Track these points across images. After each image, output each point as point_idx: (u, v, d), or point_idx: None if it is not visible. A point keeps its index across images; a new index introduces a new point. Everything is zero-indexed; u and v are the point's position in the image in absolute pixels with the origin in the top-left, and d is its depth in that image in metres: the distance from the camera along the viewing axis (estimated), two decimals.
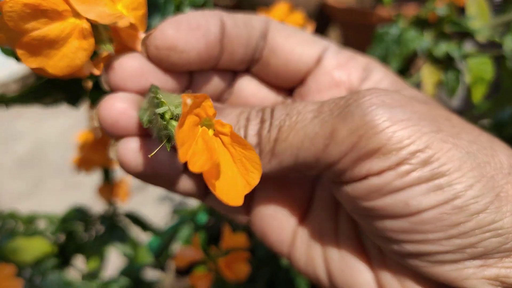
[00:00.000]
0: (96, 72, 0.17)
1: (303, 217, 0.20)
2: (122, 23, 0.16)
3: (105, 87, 0.18)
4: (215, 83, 0.20)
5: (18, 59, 0.20)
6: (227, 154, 0.14)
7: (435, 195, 0.13)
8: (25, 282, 0.52)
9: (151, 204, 1.24)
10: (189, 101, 0.12)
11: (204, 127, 0.13)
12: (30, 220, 0.59)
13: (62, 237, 0.55)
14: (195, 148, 0.13)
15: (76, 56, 0.15)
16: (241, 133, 0.16)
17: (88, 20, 0.15)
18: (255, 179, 0.14)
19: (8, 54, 0.20)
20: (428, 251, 0.14)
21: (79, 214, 0.53)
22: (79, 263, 0.57)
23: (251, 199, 0.21)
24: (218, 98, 0.21)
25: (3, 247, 0.56)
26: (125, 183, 0.56)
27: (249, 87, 0.21)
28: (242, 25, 0.18)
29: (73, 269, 0.56)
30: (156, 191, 1.31)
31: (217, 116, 0.16)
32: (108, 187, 0.55)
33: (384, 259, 0.17)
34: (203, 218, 0.67)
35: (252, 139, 0.16)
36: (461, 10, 0.58)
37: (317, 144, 0.15)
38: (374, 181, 0.14)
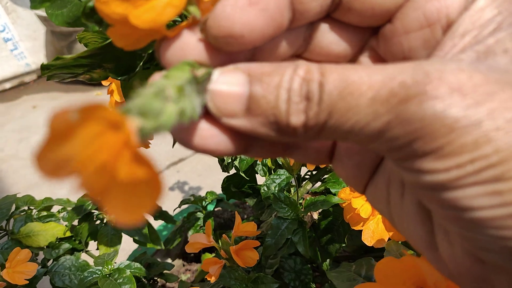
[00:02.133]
0: (171, 35, 0.16)
1: (376, 169, 0.20)
2: None
3: (159, 61, 0.17)
4: (286, 44, 0.18)
5: (67, 24, 0.20)
6: (125, 167, 0.11)
7: (491, 199, 0.12)
8: (38, 266, 0.53)
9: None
10: (73, 114, 0.10)
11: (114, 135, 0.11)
12: (44, 205, 0.60)
13: (75, 223, 0.57)
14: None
15: (164, 11, 0.14)
16: (282, 110, 0.15)
17: None
18: (153, 200, 0.12)
19: (56, 20, 0.19)
20: (475, 239, 0.14)
21: (90, 202, 0.54)
22: (93, 248, 0.58)
23: (333, 148, 0.20)
24: (294, 55, 0.19)
25: (18, 231, 0.58)
26: None
27: (329, 36, 0.19)
28: None
29: (86, 254, 0.57)
30: (170, 179, 1.33)
31: (254, 85, 0.15)
32: None
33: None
34: (210, 207, 0.68)
35: (296, 118, 0.15)
36: None
37: (368, 134, 0.14)
38: (424, 177, 0.13)
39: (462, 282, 0.16)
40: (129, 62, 0.24)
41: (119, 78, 0.25)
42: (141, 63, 0.25)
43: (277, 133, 0.16)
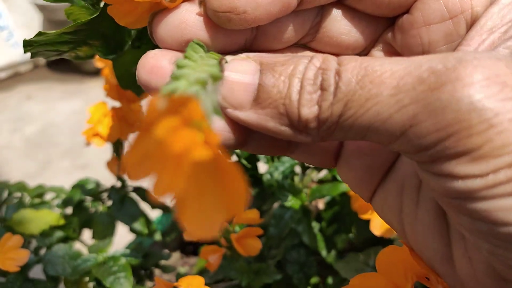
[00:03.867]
0: (171, 6, 0.15)
1: (387, 173, 0.18)
2: None
3: (152, 39, 0.16)
4: (292, 29, 0.17)
5: None
6: (205, 171, 0.11)
7: None
8: (31, 254, 0.51)
9: None
10: (162, 102, 0.10)
11: (194, 133, 0.10)
12: (37, 192, 0.58)
13: (69, 210, 0.55)
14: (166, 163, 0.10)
15: None
16: (294, 100, 0.13)
17: None
18: (235, 210, 0.11)
19: None
20: (508, 257, 0.12)
21: (88, 187, 0.52)
22: (87, 237, 0.56)
23: (339, 148, 0.19)
24: (298, 43, 0.18)
25: (9, 218, 0.56)
26: None
27: (340, 24, 0.17)
28: None
29: (80, 243, 0.55)
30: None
31: (265, 75, 0.14)
32: (119, 161, 0.54)
33: (462, 236, 0.15)
34: None
35: (308, 110, 0.13)
36: None
37: (391, 129, 0.12)
38: (455, 183, 0.12)
39: None
40: (117, 39, 0.23)
41: (107, 57, 0.24)
42: (129, 41, 0.23)
43: (286, 128, 0.14)
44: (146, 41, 0.25)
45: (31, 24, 2.09)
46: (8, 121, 1.75)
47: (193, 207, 0.10)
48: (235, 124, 0.15)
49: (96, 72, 2.05)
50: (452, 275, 0.15)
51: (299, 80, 0.13)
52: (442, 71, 0.11)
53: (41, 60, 2.19)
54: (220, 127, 0.15)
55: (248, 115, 0.14)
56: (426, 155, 0.12)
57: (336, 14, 0.17)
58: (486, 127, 0.11)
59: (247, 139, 0.16)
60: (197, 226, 0.10)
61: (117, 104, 0.52)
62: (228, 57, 0.15)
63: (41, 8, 1.89)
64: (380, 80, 0.12)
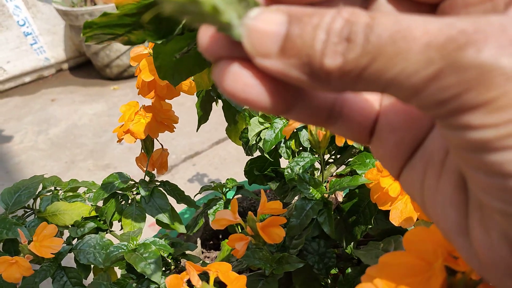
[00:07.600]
0: None
1: (415, 151, 0.19)
2: None
3: None
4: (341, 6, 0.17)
5: None
6: None
7: None
8: (64, 243, 0.54)
9: (180, 185, 1.27)
10: None
11: None
12: (70, 186, 0.61)
13: (101, 204, 0.57)
14: None
15: None
16: (317, 50, 0.14)
17: None
18: None
19: None
20: None
21: (118, 180, 0.55)
22: (116, 229, 0.59)
23: (374, 124, 0.19)
24: None
25: (44, 210, 0.59)
26: (164, 155, 0.58)
27: (385, 10, 0.18)
28: None
29: (110, 234, 0.58)
30: (186, 172, 1.34)
31: (292, 25, 0.15)
32: (147, 157, 0.57)
33: (479, 206, 0.15)
34: (230, 194, 0.69)
35: (331, 60, 0.14)
36: None
37: (414, 83, 0.13)
38: (470, 134, 0.12)
39: (493, 273, 0.15)
40: (169, 24, 0.24)
41: (156, 42, 0.25)
42: (180, 26, 0.25)
43: (309, 78, 0.15)
44: (188, 29, 0.26)
45: (54, 30, 2.16)
46: (32, 123, 1.81)
47: None
48: (272, 89, 0.16)
49: (116, 78, 2.10)
50: (467, 246, 0.16)
51: (325, 31, 0.14)
52: (471, 32, 0.12)
53: (64, 65, 2.25)
54: (256, 89, 0.16)
55: (273, 63, 0.15)
56: (446, 108, 0.13)
57: (382, 0, 0.18)
58: (504, 81, 0.12)
59: (289, 106, 0.17)
60: None
61: (148, 102, 0.55)
62: (260, 8, 0.15)
63: (63, 14, 1.96)
64: (413, 37, 0.13)
